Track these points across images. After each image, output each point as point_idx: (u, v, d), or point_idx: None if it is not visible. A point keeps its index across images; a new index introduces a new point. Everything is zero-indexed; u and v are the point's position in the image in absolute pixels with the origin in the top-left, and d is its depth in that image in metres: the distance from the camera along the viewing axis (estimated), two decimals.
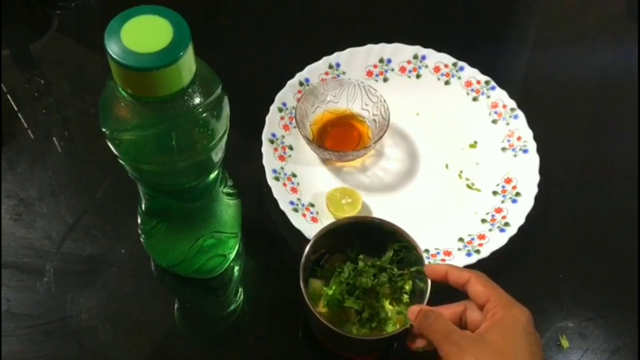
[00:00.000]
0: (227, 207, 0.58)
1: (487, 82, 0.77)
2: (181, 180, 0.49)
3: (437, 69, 0.78)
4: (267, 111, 0.73)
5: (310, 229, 0.64)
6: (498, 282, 0.65)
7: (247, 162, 0.71)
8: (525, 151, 0.71)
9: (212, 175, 0.52)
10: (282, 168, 0.70)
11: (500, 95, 0.76)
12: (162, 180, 0.48)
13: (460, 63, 0.78)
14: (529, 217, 0.66)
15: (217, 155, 0.49)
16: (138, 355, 0.60)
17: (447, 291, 0.62)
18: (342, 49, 0.78)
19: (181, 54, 0.40)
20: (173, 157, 0.45)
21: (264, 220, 0.68)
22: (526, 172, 0.69)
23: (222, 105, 0.46)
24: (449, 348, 0.45)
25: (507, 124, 0.74)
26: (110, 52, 0.40)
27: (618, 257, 0.67)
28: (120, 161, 0.47)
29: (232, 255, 0.62)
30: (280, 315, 0.62)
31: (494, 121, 0.75)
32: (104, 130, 0.44)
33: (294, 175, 0.70)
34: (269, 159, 0.69)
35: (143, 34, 0.41)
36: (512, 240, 0.64)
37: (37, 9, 0.89)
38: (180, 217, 0.55)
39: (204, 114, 0.44)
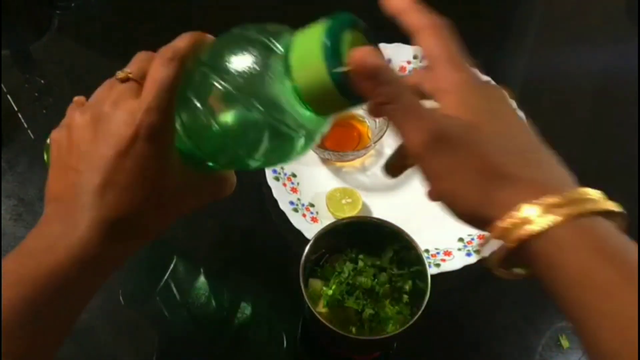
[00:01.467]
0: None
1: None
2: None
3: None
4: None
5: (310, 229, 0.64)
6: (498, 282, 0.65)
7: None
8: None
9: None
10: (282, 168, 0.70)
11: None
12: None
13: None
14: None
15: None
16: (138, 356, 0.60)
17: (448, 291, 0.62)
18: None
19: None
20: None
21: (264, 220, 0.68)
22: None
23: None
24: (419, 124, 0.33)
25: None
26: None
27: None
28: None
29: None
30: (280, 316, 0.62)
31: None
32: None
33: (294, 175, 0.70)
34: None
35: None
36: None
37: (37, 9, 0.89)
38: None
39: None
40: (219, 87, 0.38)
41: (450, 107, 0.35)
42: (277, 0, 0.93)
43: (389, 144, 0.74)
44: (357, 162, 0.72)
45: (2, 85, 0.78)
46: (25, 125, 0.75)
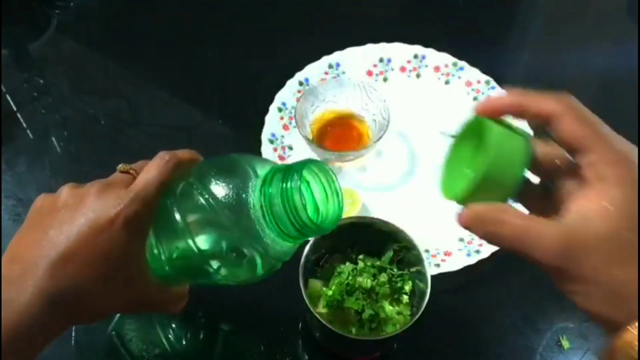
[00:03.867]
0: None
1: (487, 82, 0.76)
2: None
3: (437, 69, 0.78)
4: (267, 111, 0.73)
5: None
6: (498, 282, 0.65)
7: None
8: None
9: None
10: None
11: (500, 95, 0.75)
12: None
13: (460, 63, 0.78)
14: None
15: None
16: (137, 356, 0.59)
17: (448, 291, 0.62)
18: (342, 49, 0.78)
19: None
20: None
21: None
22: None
23: None
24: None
25: None
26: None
27: None
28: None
29: None
30: (280, 316, 0.62)
31: None
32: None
33: None
34: (269, 159, 0.69)
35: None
36: None
37: (37, 8, 0.89)
38: None
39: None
40: (200, 201, 0.40)
41: (593, 199, 0.32)
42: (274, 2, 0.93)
43: (389, 143, 0.74)
44: (357, 162, 0.72)
45: (2, 85, 0.78)
46: (25, 125, 0.75)
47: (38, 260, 0.38)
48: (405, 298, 0.55)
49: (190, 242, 0.41)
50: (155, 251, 0.43)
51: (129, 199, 0.39)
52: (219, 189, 0.40)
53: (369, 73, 0.78)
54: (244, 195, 0.40)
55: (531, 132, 0.38)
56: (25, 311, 0.37)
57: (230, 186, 0.40)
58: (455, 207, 0.37)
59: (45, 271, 0.38)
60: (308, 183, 0.43)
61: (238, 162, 0.42)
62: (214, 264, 0.42)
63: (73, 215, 0.39)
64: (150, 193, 0.40)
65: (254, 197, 0.40)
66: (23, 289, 0.37)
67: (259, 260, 0.42)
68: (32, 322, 0.37)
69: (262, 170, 0.41)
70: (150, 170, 0.41)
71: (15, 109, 0.76)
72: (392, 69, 0.79)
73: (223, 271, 0.42)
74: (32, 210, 0.42)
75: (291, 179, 0.39)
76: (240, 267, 0.42)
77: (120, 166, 0.43)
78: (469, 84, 0.77)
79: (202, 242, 0.41)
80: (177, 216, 0.41)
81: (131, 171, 0.43)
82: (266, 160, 0.43)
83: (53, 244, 0.38)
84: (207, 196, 0.40)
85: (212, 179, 0.41)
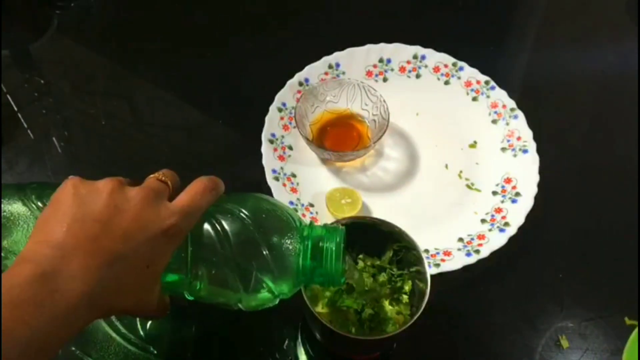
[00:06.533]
0: None
1: (486, 82, 0.76)
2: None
3: (436, 69, 0.78)
4: (267, 111, 0.73)
5: None
6: (498, 282, 0.65)
7: (247, 162, 0.71)
8: (525, 151, 0.71)
9: None
10: (281, 168, 0.70)
11: (500, 95, 0.76)
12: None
13: (460, 63, 0.78)
14: (529, 217, 0.65)
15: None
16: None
17: (448, 291, 0.62)
18: (342, 49, 0.78)
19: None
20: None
21: None
22: (526, 172, 0.69)
23: None
24: None
25: (507, 124, 0.74)
26: None
27: (618, 257, 0.67)
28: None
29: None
30: (280, 315, 0.62)
31: (494, 121, 0.75)
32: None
33: (294, 175, 0.70)
34: (269, 159, 0.69)
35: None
36: (512, 240, 0.64)
37: (37, 8, 0.89)
38: None
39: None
40: (248, 232, 0.45)
41: None
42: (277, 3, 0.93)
43: (389, 144, 0.74)
44: (357, 162, 0.72)
45: (2, 85, 0.78)
46: (25, 125, 0.75)
47: (84, 254, 0.38)
48: (405, 298, 0.55)
49: (226, 260, 0.45)
50: (182, 264, 0.45)
51: (180, 216, 0.42)
52: (267, 224, 0.46)
53: (369, 73, 0.79)
54: (287, 239, 0.46)
55: None
56: (70, 307, 0.37)
57: (279, 226, 0.46)
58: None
59: (93, 269, 0.38)
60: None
61: (282, 207, 0.48)
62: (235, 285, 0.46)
63: (123, 215, 0.40)
64: (197, 214, 0.43)
65: (295, 243, 0.46)
66: (68, 281, 0.37)
67: (268, 295, 0.48)
68: (74, 320, 0.37)
69: (299, 222, 0.48)
70: (197, 192, 0.44)
71: (16, 109, 0.76)
72: (392, 69, 0.79)
73: (239, 296, 0.48)
74: (64, 191, 0.41)
75: (333, 241, 0.47)
76: (249, 295, 0.48)
77: (159, 174, 0.45)
78: (468, 84, 0.77)
79: (237, 262, 0.45)
80: (218, 237, 0.45)
81: (169, 183, 0.45)
82: (295, 212, 0.50)
83: (100, 240, 0.39)
84: (253, 229, 0.45)
85: (262, 215, 0.46)
